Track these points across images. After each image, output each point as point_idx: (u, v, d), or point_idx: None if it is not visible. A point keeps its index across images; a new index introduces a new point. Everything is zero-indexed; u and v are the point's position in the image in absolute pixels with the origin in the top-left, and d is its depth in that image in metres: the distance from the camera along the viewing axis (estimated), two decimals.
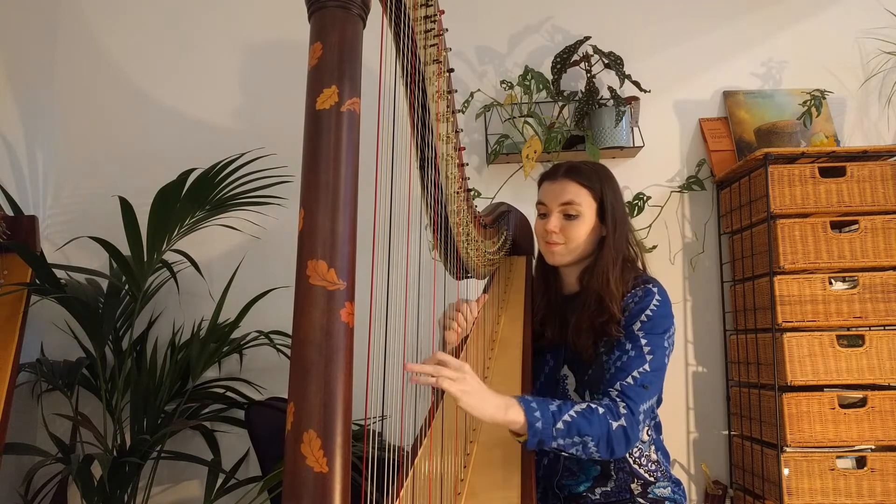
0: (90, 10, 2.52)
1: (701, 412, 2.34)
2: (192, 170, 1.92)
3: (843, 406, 1.93)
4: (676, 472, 2.26)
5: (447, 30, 1.08)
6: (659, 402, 1.30)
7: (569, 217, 1.35)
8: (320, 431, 0.56)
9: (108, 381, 2.08)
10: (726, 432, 2.32)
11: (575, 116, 2.27)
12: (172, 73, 2.50)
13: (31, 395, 2.20)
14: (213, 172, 1.94)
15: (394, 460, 1.04)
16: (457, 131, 1.25)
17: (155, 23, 2.52)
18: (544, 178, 1.42)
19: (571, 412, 1.12)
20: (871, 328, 1.99)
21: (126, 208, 1.87)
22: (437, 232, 1.29)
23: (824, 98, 2.26)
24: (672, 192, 2.40)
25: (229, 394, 2.17)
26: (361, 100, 0.65)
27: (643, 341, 1.23)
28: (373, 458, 0.89)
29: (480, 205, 1.69)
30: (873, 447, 1.94)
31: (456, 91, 1.45)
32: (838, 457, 1.92)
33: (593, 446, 1.11)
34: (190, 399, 2.09)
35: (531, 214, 1.47)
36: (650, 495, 1.32)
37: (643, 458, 1.33)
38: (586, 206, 1.35)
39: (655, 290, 1.29)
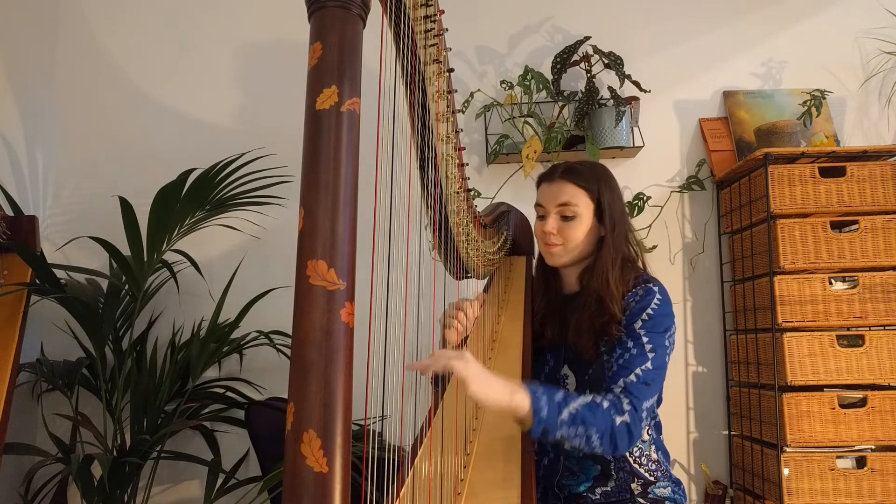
0: (90, 10, 2.52)
1: (701, 412, 2.34)
2: (192, 170, 1.92)
3: (843, 406, 1.93)
4: (676, 472, 2.26)
5: (447, 30, 1.08)
6: (659, 401, 1.30)
7: (566, 218, 1.36)
8: (320, 431, 0.56)
9: (108, 381, 2.08)
10: (726, 432, 2.32)
11: (575, 116, 2.27)
12: (172, 73, 2.50)
13: (31, 395, 2.20)
14: (213, 172, 1.94)
15: (394, 460, 1.04)
16: (457, 131, 1.25)
17: (155, 23, 2.52)
18: (542, 180, 1.42)
19: (577, 403, 1.12)
20: (871, 328, 1.99)
21: (126, 208, 1.87)
22: (437, 232, 1.29)
23: (824, 98, 2.26)
24: (672, 192, 2.40)
25: (229, 394, 2.18)
26: (361, 100, 0.65)
27: (645, 339, 1.23)
28: (373, 458, 0.89)
29: (480, 205, 1.69)
30: (873, 447, 1.94)
31: (456, 91, 1.45)
32: (838, 457, 1.93)
33: (597, 440, 1.11)
34: (190, 399, 2.09)
35: (531, 214, 1.47)
36: (650, 495, 1.32)
37: (643, 458, 1.33)
38: (583, 206, 1.35)
39: (656, 289, 1.30)
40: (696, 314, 2.38)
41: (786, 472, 1.92)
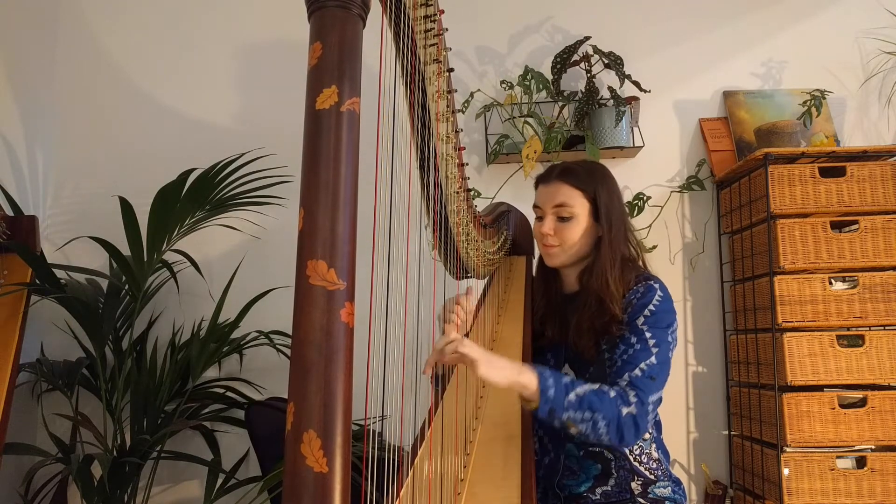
0: (90, 10, 2.52)
1: (701, 412, 2.34)
2: (192, 170, 1.92)
3: (843, 406, 1.93)
4: (676, 471, 2.26)
5: (447, 30, 1.08)
6: (659, 401, 1.30)
7: (562, 219, 1.36)
8: (320, 431, 0.56)
9: (108, 381, 2.08)
10: (726, 432, 2.32)
11: (575, 116, 2.27)
12: (172, 73, 2.50)
13: (31, 395, 2.20)
14: (213, 172, 1.94)
15: (394, 460, 1.04)
16: (457, 131, 1.25)
17: (155, 23, 2.52)
18: (539, 181, 1.43)
19: (584, 388, 1.13)
20: (871, 328, 1.99)
21: (126, 208, 1.87)
22: (437, 232, 1.29)
23: (824, 98, 2.26)
24: (672, 192, 2.40)
25: (229, 394, 2.18)
26: (361, 99, 0.65)
27: (648, 335, 1.23)
28: (373, 458, 0.89)
29: (480, 205, 1.69)
30: (873, 447, 1.94)
31: (456, 91, 1.45)
32: (838, 457, 1.92)
33: (603, 426, 1.12)
34: (190, 399, 2.09)
35: (531, 214, 1.47)
36: (650, 495, 1.32)
37: (644, 456, 1.33)
38: (579, 207, 1.35)
39: (657, 286, 1.30)
40: (696, 314, 2.38)
41: (786, 472, 1.92)
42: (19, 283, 1.91)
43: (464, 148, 1.34)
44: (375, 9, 0.73)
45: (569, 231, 1.35)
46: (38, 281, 1.93)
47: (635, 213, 2.28)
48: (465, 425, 1.21)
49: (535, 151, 2.17)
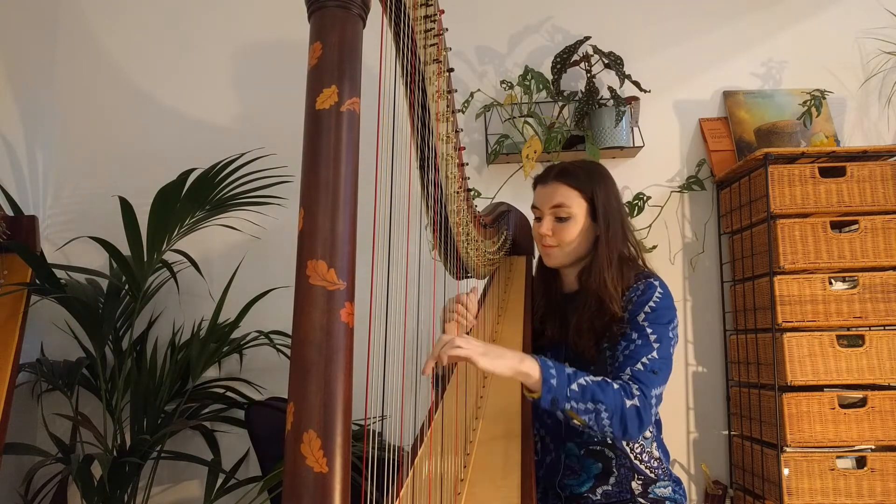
0: (90, 10, 2.52)
1: (701, 412, 2.34)
2: (192, 170, 1.92)
3: (843, 406, 1.93)
4: (676, 471, 2.25)
5: (447, 30, 1.08)
6: (658, 401, 1.30)
7: (560, 219, 1.36)
8: (320, 431, 0.56)
9: (108, 381, 2.08)
10: (726, 432, 2.32)
11: (575, 116, 2.27)
12: (172, 73, 2.50)
13: (31, 395, 2.20)
14: (213, 172, 1.94)
15: (394, 460, 1.04)
16: (457, 131, 1.25)
17: (155, 23, 2.52)
18: (537, 182, 1.43)
19: (587, 378, 1.13)
20: (871, 328, 1.99)
21: (126, 208, 1.87)
22: (437, 232, 1.29)
23: (824, 98, 2.26)
24: (672, 192, 2.40)
25: (229, 394, 2.18)
26: (361, 100, 0.65)
27: (649, 330, 1.24)
28: (373, 458, 0.89)
29: (480, 205, 1.69)
30: (873, 447, 1.94)
31: (456, 91, 1.45)
32: (838, 457, 1.92)
33: (606, 418, 1.11)
34: (190, 399, 2.09)
35: (531, 214, 1.47)
36: (651, 495, 1.32)
37: (644, 454, 1.33)
38: (577, 207, 1.35)
39: (657, 283, 1.30)
40: (696, 314, 2.38)
41: (786, 472, 1.92)
42: (19, 283, 1.91)
43: (464, 148, 1.35)
44: (375, 9, 0.73)
45: (567, 231, 1.36)
46: (38, 281, 1.93)
47: (635, 213, 2.28)
48: (465, 425, 1.21)
49: (535, 151, 2.17)
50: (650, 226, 2.35)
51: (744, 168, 2.16)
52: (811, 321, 1.96)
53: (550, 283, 1.48)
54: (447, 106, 1.18)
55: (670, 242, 2.39)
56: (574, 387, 1.11)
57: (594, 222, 1.36)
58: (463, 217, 1.37)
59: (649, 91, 2.30)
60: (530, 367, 1.10)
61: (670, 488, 1.34)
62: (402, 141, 1.04)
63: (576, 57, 2.29)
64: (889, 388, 1.96)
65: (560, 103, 2.33)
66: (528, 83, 2.29)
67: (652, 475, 1.33)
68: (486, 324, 1.47)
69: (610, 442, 1.32)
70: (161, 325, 2.32)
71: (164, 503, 2.32)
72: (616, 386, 1.15)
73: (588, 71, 2.30)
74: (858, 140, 2.40)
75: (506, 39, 2.48)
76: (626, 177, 2.37)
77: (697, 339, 2.37)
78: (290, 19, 2.41)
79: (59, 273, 2.03)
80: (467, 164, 1.54)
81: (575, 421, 1.13)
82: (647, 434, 1.34)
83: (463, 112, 2.35)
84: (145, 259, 1.94)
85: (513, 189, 2.34)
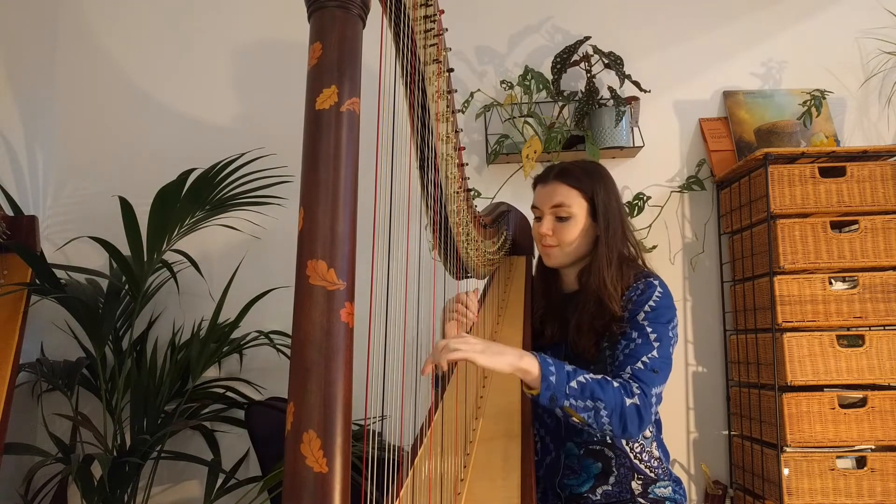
0: (90, 10, 2.52)
1: (701, 412, 2.34)
2: (192, 170, 1.92)
3: (843, 406, 1.93)
4: (676, 471, 2.25)
5: (447, 30, 1.08)
6: (658, 400, 1.30)
7: (560, 219, 1.37)
8: (320, 431, 0.56)
9: (108, 381, 2.08)
10: (726, 432, 2.32)
11: (575, 116, 2.27)
12: (172, 73, 2.50)
13: (31, 395, 2.20)
14: (213, 172, 1.94)
15: (394, 460, 1.04)
16: (457, 131, 1.25)
17: (155, 23, 2.52)
18: (537, 182, 1.43)
19: (587, 376, 1.13)
20: (871, 328, 1.99)
21: (126, 208, 1.87)
22: (437, 232, 1.29)
23: (824, 98, 2.26)
24: (672, 192, 2.40)
25: (229, 394, 2.18)
26: (361, 100, 0.65)
27: (649, 329, 1.24)
28: (373, 458, 0.89)
29: (480, 205, 1.69)
30: (873, 447, 1.94)
31: (456, 91, 1.45)
32: (838, 457, 1.93)
33: (606, 416, 1.11)
34: (190, 399, 2.09)
35: (531, 214, 1.47)
36: (650, 495, 1.32)
37: (644, 454, 1.33)
38: (577, 206, 1.35)
39: (657, 282, 1.30)
40: (696, 314, 2.38)
41: (786, 472, 1.92)
42: (19, 283, 1.91)
43: (464, 148, 1.35)
44: (375, 9, 0.73)
45: (567, 231, 1.36)
46: (38, 281, 1.93)
47: (635, 213, 2.28)
48: (464, 424, 1.21)
49: (535, 151, 2.17)
50: (650, 226, 2.35)
51: (744, 168, 2.16)
52: (811, 321, 1.96)
53: (550, 282, 1.48)
54: (447, 106, 1.18)
55: (670, 242, 2.39)
56: (573, 384, 1.11)
57: (594, 222, 1.36)
58: (463, 217, 1.37)
59: (649, 91, 2.30)
60: (529, 364, 1.10)
61: (670, 488, 1.34)
62: (402, 141, 1.04)
63: (576, 57, 2.29)
64: (889, 388, 1.96)
65: (560, 103, 2.33)
66: (528, 83, 2.29)
67: (652, 475, 1.33)
68: (486, 324, 1.47)
69: (610, 441, 1.31)
70: (161, 325, 2.32)
71: (164, 503, 2.32)
72: (616, 384, 1.15)
73: (588, 71, 2.30)
74: (858, 140, 2.40)
75: (506, 39, 2.48)
76: (626, 177, 2.37)
77: (697, 339, 2.37)
78: (290, 19, 2.42)
79: (59, 273, 2.03)
80: (467, 164, 1.54)
81: (574, 419, 1.13)
82: (647, 434, 1.34)
83: (463, 112, 2.35)
84: (145, 259, 1.94)
85: (513, 189, 2.34)
